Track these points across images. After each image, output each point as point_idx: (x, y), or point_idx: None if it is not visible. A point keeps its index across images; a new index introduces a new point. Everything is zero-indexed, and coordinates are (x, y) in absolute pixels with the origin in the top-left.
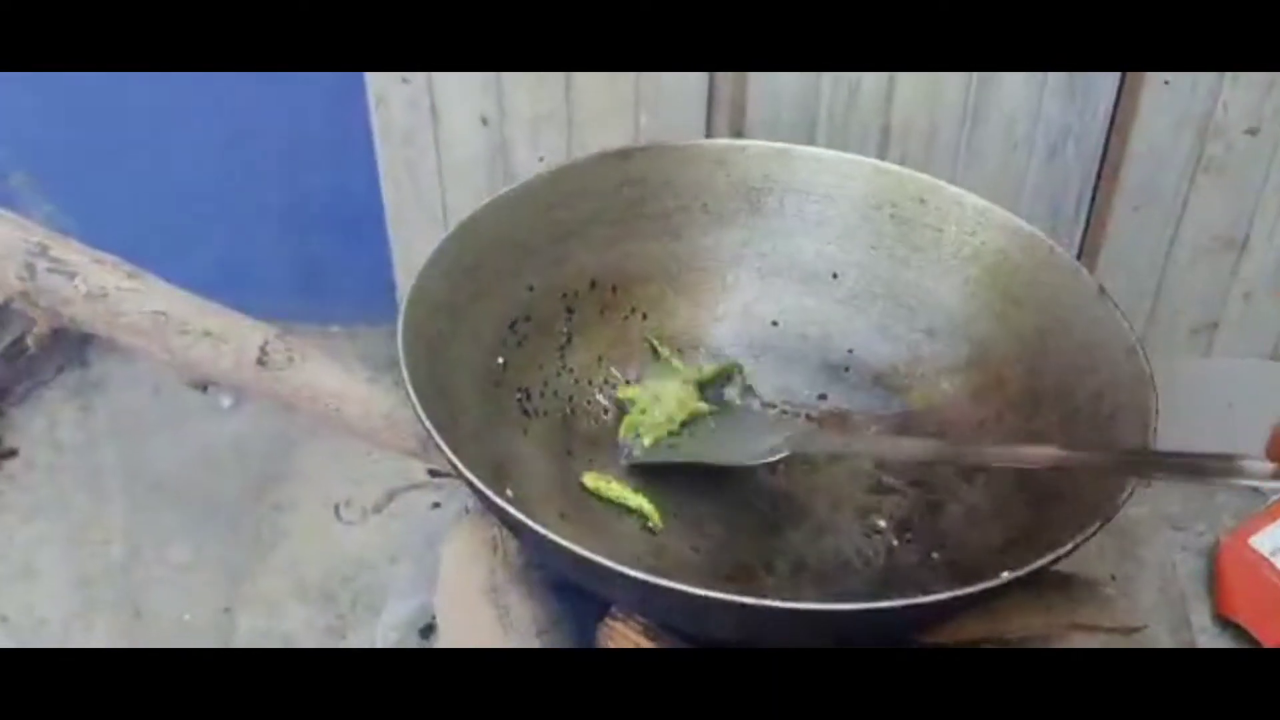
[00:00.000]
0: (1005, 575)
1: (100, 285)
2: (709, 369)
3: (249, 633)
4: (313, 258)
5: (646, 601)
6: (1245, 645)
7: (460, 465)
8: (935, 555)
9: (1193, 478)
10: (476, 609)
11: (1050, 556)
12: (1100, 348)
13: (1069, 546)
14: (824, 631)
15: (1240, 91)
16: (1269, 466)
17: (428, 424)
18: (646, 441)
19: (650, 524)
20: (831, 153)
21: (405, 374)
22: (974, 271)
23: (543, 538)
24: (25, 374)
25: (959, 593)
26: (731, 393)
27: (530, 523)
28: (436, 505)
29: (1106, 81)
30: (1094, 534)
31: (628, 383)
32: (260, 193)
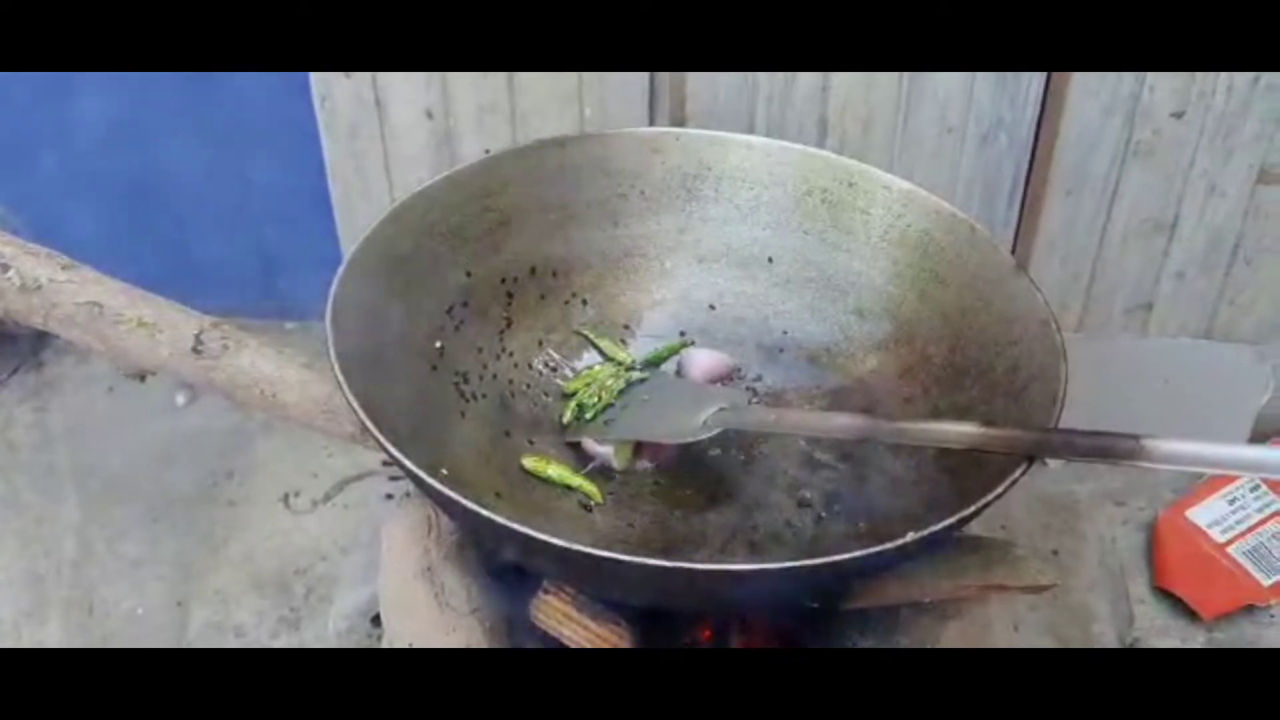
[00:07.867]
0: (910, 536)
1: (34, 277)
2: (663, 348)
3: (202, 626)
4: (264, 254)
5: (578, 573)
6: (1181, 615)
7: (385, 442)
8: (861, 524)
9: (1102, 457)
10: (414, 588)
11: (951, 519)
12: (1017, 322)
13: (970, 510)
14: (744, 593)
15: (1166, 77)
16: (1175, 448)
17: (352, 401)
18: (586, 418)
19: (591, 502)
20: (761, 139)
21: (332, 354)
22: (900, 253)
23: (473, 513)
24: None
25: (861, 553)
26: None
27: (460, 499)
28: (389, 497)
29: None
30: (993, 501)
31: (572, 373)
32: (209, 190)
